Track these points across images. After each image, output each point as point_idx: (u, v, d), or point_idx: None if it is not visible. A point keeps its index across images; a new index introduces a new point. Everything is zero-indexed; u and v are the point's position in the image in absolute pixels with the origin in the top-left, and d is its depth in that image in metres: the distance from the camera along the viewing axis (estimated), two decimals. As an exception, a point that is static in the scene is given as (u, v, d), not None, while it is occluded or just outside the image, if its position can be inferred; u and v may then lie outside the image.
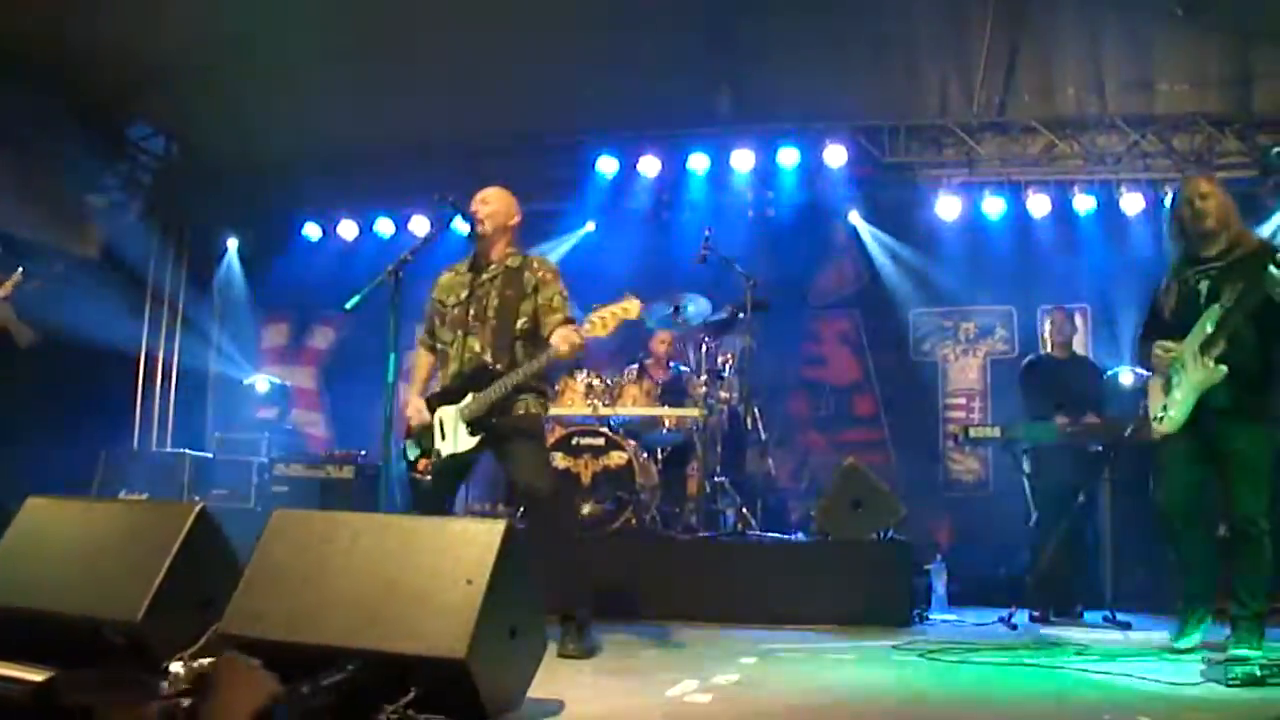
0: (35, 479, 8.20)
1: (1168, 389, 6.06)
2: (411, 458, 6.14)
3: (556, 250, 12.78)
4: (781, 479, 11.40)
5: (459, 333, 6.14)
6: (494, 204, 6.24)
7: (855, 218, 12.81)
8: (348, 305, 5.87)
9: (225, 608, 3.93)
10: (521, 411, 6.01)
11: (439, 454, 6.02)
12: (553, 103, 11.53)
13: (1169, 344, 6.04)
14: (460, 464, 6.07)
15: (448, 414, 6.02)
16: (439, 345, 6.30)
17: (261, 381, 13.56)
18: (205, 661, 3.91)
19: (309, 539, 4.03)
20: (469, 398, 5.93)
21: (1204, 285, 6.00)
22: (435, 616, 3.60)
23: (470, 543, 3.79)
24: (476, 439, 5.93)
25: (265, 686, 2.84)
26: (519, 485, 6.02)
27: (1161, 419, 6.05)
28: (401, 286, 5.91)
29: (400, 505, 6.96)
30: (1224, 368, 5.77)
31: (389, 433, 5.99)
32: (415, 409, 6.16)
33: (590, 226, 13.27)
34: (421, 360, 6.46)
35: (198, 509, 4.37)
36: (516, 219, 6.33)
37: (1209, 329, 5.84)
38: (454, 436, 5.97)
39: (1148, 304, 6.51)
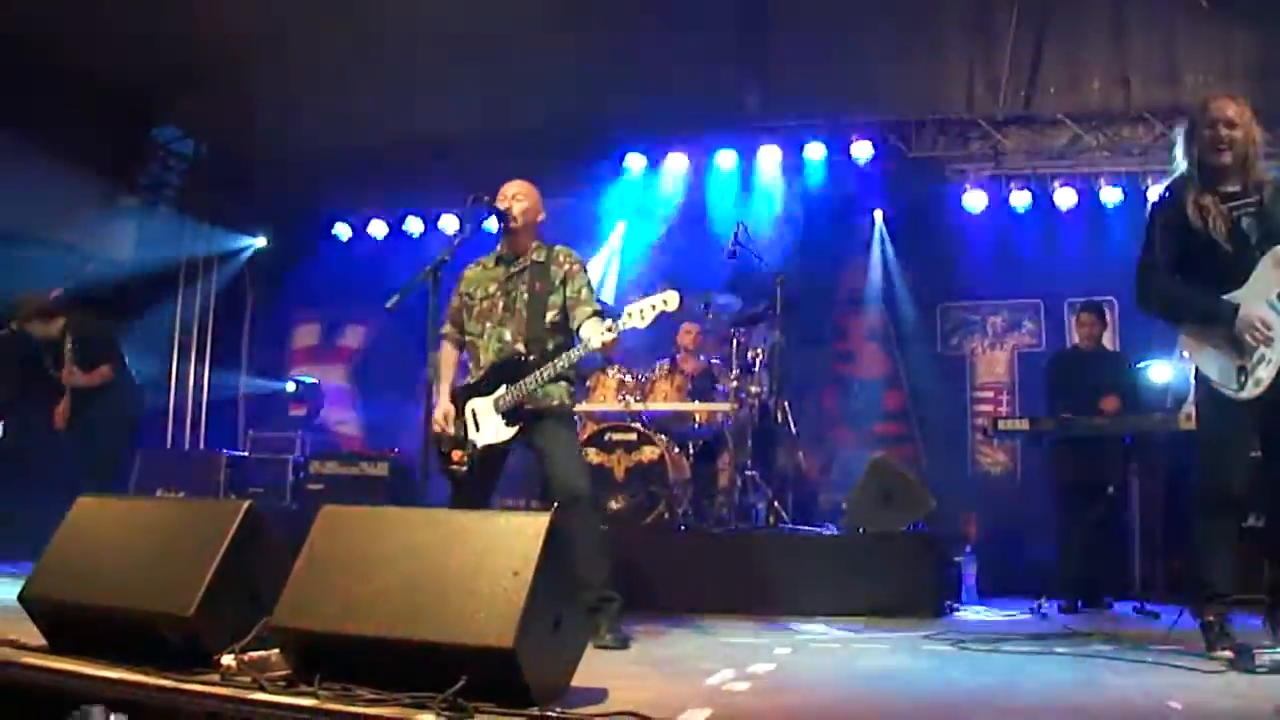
0: (70, 479, 8.37)
1: (1243, 350, 5.22)
2: (445, 450, 6.19)
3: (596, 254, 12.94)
4: (811, 473, 11.46)
5: (487, 324, 6.21)
6: (525, 200, 6.30)
7: (882, 212, 12.86)
8: (388, 304, 5.94)
9: (274, 602, 4.01)
10: (555, 402, 6.08)
11: (474, 445, 6.07)
12: (581, 100, 11.59)
13: (1238, 299, 5.22)
14: (496, 455, 6.12)
15: (480, 405, 6.08)
16: (467, 338, 6.36)
17: (291, 382, 13.70)
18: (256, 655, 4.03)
19: (357, 533, 4.11)
20: (502, 388, 6.00)
21: (1248, 223, 5.30)
22: (483, 607, 3.67)
23: (516, 535, 3.86)
24: (513, 430, 6.00)
25: None
26: (557, 482, 6.01)
27: (1243, 384, 5.21)
28: (439, 285, 5.98)
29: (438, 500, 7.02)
30: None
31: (428, 429, 6.07)
32: (442, 413, 6.19)
33: (621, 227, 13.36)
34: (448, 356, 6.48)
35: (246, 506, 4.45)
36: (543, 215, 6.41)
37: None
38: (490, 427, 6.04)
39: (1154, 231, 5.54)
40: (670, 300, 5.72)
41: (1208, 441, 5.51)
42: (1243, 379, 5.23)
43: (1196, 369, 5.47)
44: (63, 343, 9.08)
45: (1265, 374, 5.17)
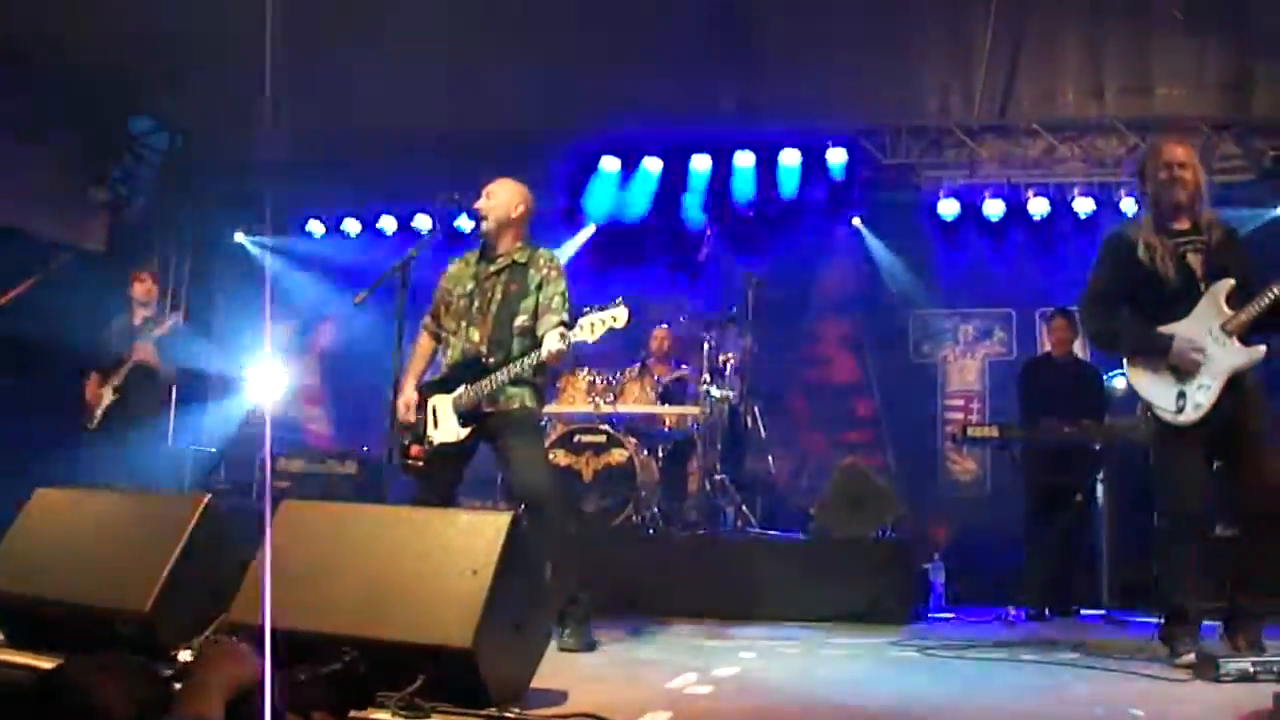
0: (36, 472, 8.29)
1: (1181, 376, 5.48)
2: (404, 444, 6.15)
3: (562, 254, 12.86)
4: (781, 478, 11.44)
5: (462, 323, 6.15)
6: (496, 197, 6.23)
7: (856, 219, 12.86)
8: (356, 299, 5.92)
9: (232, 598, 3.98)
10: (516, 405, 6.00)
11: (430, 441, 6.04)
12: (556, 101, 11.58)
13: (1179, 329, 5.50)
14: (455, 453, 6.06)
15: (441, 402, 6.03)
16: (443, 333, 6.32)
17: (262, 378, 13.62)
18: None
19: (317, 530, 4.09)
20: (461, 388, 5.96)
21: (1194, 259, 5.59)
22: (441, 606, 3.65)
23: (476, 534, 3.84)
24: (466, 430, 5.95)
25: (251, 666, 2.86)
26: (516, 482, 6.00)
27: (1181, 409, 5.46)
28: (408, 282, 5.95)
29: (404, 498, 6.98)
30: (1263, 348, 5.45)
31: (392, 426, 6.04)
32: (404, 403, 6.15)
33: (591, 229, 13.33)
34: (421, 347, 6.43)
35: (205, 500, 4.42)
36: (521, 209, 6.26)
37: (1226, 309, 5.47)
38: (445, 426, 6.00)
39: (1103, 265, 5.88)
40: (619, 317, 5.71)
41: (1164, 466, 5.69)
42: (1181, 403, 5.48)
43: (1138, 394, 5.71)
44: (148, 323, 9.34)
45: (1204, 399, 5.44)
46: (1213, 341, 5.46)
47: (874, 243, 12.81)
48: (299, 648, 3.74)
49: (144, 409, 9.21)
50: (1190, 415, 5.45)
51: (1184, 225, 5.70)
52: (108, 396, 9.05)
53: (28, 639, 4.33)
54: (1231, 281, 5.51)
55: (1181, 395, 5.47)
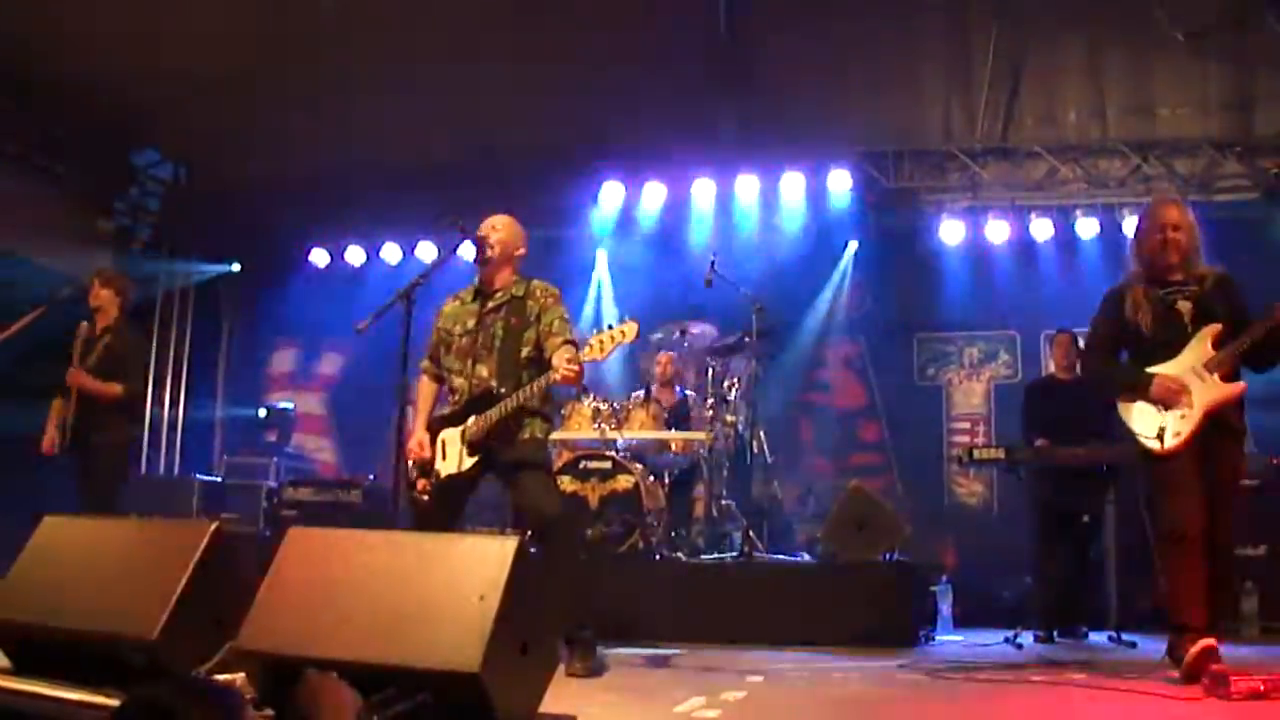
0: (42, 502, 8.25)
1: (1164, 409, 5.78)
2: (412, 477, 6.15)
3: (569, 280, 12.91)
4: (787, 502, 11.42)
5: (468, 361, 6.16)
6: (503, 231, 6.25)
7: (858, 243, 12.88)
8: (359, 326, 5.91)
9: (240, 625, 3.97)
10: (527, 436, 6.02)
11: (438, 475, 6.05)
12: (559, 130, 11.60)
13: (1164, 370, 5.80)
14: (460, 485, 6.07)
15: (450, 435, 6.04)
16: (445, 373, 6.32)
17: (262, 408, 13.64)
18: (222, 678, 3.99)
19: (323, 556, 4.08)
20: (471, 419, 5.97)
21: (1184, 306, 5.91)
22: (448, 631, 3.64)
23: (482, 559, 3.83)
24: (474, 460, 5.95)
25: (350, 704, 2.88)
26: (526, 510, 6.00)
27: (1160, 438, 5.76)
28: (412, 310, 5.95)
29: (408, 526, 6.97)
30: (1243, 384, 5.78)
31: (400, 455, 6.04)
32: (417, 442, 6.16)
33: (602, 256, 13.35)
34: (425, 388, 6.45)
35: (213, 527, 4.40)
36: (522, 250, 6.33)
37: (1210, 349, 5.75)
38: (454, 457, 6.01)
39: (1100, 319, 6.25)
40: (628, 331, 5.72)
41: (1157, 486, 5.90)
42: (1162, 432, 5.76)
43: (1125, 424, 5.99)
44: (95, 340, 8.44)
45: (1185, 428, 5.73)
46: (1195, 378, 5.76)
47: (878, 266, 12.84)
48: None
49: (103, 436, 8.58)
50: (1170, 443, 5.73)
51: (1177, 278, 6.00)
52: (70, 416, 8.28)
53: (35, 667, 4.32)
54: (1218, 326, 5.80)
55: (1163, 426, 5.77)
